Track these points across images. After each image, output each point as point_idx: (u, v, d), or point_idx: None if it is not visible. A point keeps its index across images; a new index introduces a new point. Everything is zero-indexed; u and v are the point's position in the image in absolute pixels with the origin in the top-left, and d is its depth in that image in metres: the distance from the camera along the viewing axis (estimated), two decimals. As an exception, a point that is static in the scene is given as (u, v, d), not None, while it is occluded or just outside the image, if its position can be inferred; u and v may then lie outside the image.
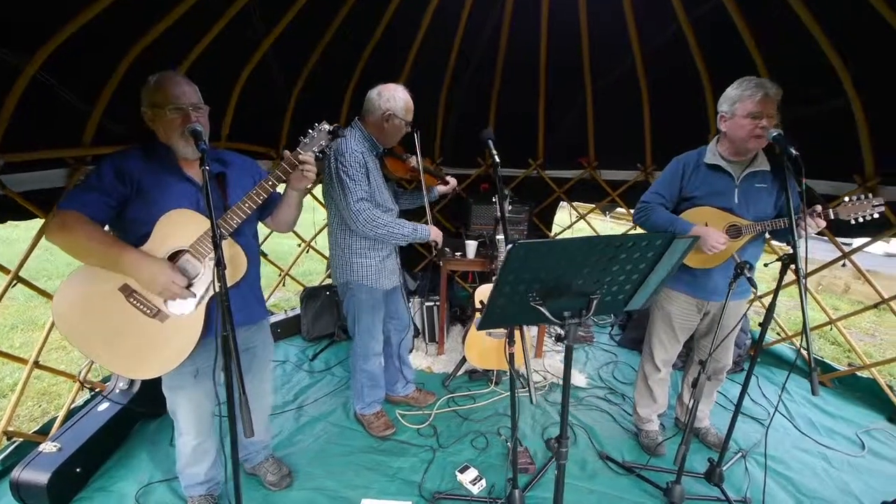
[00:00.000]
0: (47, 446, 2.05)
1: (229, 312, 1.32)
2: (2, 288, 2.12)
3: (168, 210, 1.51)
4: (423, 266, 4.43)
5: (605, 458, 2.46)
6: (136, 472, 2.23)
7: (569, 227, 4.70)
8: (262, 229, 1.97)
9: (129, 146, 1.63)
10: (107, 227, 1.56)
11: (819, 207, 1.91)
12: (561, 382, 3.19)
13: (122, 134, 2.28)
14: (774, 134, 1.80)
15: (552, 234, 4.58)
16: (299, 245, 4.09)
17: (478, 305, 2.85)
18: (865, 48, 2.39)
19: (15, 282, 2.11)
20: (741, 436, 2.68)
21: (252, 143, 3.27)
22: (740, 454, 2.49)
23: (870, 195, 1.90)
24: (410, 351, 3.45)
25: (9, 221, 2.06)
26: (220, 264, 1.30)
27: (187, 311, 1.55)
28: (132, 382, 2.46)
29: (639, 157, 3.81)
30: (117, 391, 2.44)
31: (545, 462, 2.40)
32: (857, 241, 3.43)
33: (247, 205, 1.55)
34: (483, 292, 2.88)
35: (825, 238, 2.95)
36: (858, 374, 3.19)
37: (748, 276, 1.84)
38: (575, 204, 4.44)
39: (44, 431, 2.31)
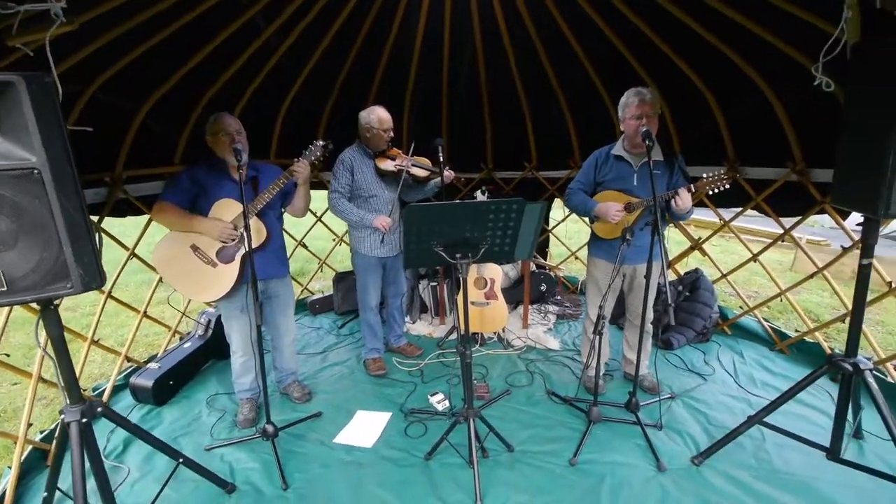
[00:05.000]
0: (153, 364, 3.07)
1: (252, 263, 2.19)
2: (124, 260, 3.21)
3: (219, 199, 2.43)
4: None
5: (550, 393, 3.09)
6: (207, 388, 3.22)
7: (561, 221, 5.19)
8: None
9: (198, 162, 2.59)
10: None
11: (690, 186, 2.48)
12: (537, 346, 3.84)
13: (196, 155, 3.32)
14: (644, 130, 2.39)
15: (549, 227, 5.18)
16: (333, 239, 5.07)
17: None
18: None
19: (131, 256, 3.18)
20: (680, 385, 3.18)
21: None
22: (669, 396, 3.00)
23: (720, 170, 2.43)
24: (409, 317, 4.27)
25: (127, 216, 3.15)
26: (247, 229, 2.18)
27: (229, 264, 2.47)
28: (206, 330, 3.46)
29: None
30: (196, 336, 3.46)
31: (499, 393, 3.07)
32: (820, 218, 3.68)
33: (266, 195, 2.43)
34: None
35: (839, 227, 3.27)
36: (807, 339, 3.51)
37: (627, 238, 2.43)
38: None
39: (152, 359, 3.35)
